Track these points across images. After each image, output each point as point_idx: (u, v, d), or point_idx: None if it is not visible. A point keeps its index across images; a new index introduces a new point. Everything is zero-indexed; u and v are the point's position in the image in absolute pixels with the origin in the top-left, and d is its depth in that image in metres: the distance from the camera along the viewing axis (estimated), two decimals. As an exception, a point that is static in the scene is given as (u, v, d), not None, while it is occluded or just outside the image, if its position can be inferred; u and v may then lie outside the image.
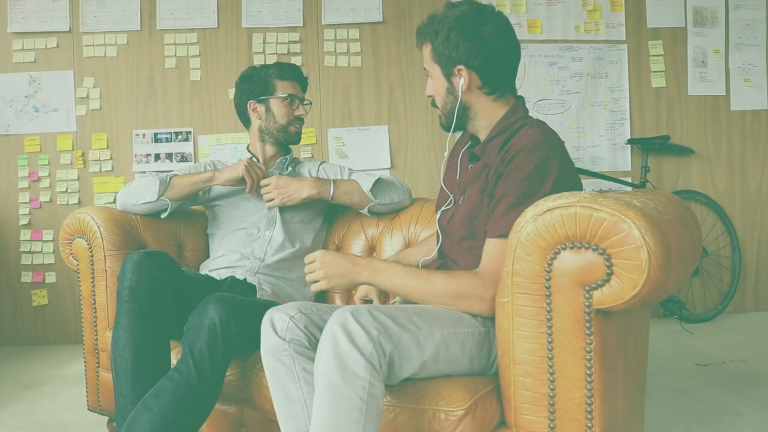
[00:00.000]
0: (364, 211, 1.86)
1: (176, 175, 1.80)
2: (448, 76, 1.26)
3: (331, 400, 0.99)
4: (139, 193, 1.77)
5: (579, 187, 1.20)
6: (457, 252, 1.31)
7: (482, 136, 1.31)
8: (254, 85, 1.84)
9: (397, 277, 1.18)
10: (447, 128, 1.32)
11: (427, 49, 1.28)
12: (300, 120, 1.86)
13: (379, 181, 1.83)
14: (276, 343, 1.16)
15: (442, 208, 1.39)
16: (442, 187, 1.43)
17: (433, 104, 1.34)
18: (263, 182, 1.78)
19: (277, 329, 1.17)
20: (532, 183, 1.13)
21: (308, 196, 1.77)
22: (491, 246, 1.15)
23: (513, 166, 1.15)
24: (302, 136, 1.92)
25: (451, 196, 1.37)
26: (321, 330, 1.17)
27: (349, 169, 1.95)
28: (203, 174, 1.78)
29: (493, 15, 1.24)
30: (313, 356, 1.14)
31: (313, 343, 1.17)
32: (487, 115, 1.28)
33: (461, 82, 1.24)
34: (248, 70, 1.88)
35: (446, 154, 1.42)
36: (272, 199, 1.76)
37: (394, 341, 1.04)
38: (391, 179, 1.90)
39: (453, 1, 1.28)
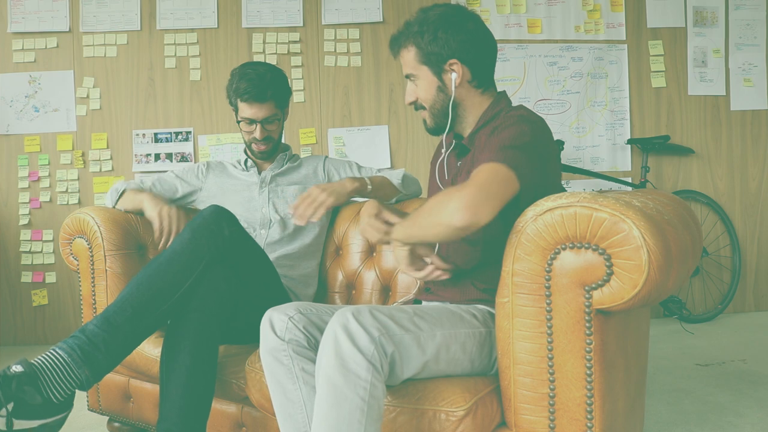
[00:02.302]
0: (388, 201, 1.87)
1: (131, 189, 1.78)
2: (439, 73, 1.27)
3: (332, 401, 0.99)
4: (108, 197, 1.82)
5: (559, 172, 1.26)
6: (454, 249, 1.31)
7: (468, 131, 1.32)
8: (229, 95, 1.80)
9: (406, 222, 1.18)
10: (438, 130, 1.32)
11: (410, 54, 1.28)
12: (257, 141, 1.79)
13: (405, 177, 1.89)
14: (275, 343, 1.16)
15: None
16: (433, 186, 1.42)
17: (417, 108, 1.34)
18: (302, 197, 1.67)
19: (276, 329, 1.17)
20: (521, 131, 1.14)
21: (352, 189, 1.76)
22: (481, 166, 1.09)
23: (501, 129, 1.17)
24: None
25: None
26: (320, 330, 1.17)
27: (357, 164, 1.96)
28: (140, 198, 1.73)
29: (471, 13, 1.29)
30: (312, 356, 1.15)
31: (312, 344, 1.17)
32: (474, 110, 1.31)
33: (454, 77, 1.26)
34: (230, 76, 1.80)
35: (443, 151, 1.41)
36: (322, 203, 1.65)
37: (395, 342, 1.04)
38: (410, 174, 1.95)
39: (425, 7, 1.30)
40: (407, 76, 1.32)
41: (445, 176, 1.38)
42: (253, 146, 1.83)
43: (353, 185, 1.77)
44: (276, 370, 1.17)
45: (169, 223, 1.67)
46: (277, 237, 1.79)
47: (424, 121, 1.34)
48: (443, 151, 1.41)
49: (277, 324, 1.17)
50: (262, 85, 1.73)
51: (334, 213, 1.98)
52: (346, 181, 1.78)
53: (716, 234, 3.32)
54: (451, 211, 1.03)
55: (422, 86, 1.29)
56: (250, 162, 1.90)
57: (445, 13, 1.26)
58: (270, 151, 1.85)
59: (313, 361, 1.14)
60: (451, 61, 1.25)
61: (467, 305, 1.25)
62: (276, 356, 1.16)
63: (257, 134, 1.78)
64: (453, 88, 1.26)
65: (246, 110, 1.76)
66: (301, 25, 3.18)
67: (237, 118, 1.81)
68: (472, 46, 1.25)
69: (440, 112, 1.30)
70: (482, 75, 1.29)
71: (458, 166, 1.33)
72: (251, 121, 1.78)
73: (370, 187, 1.80)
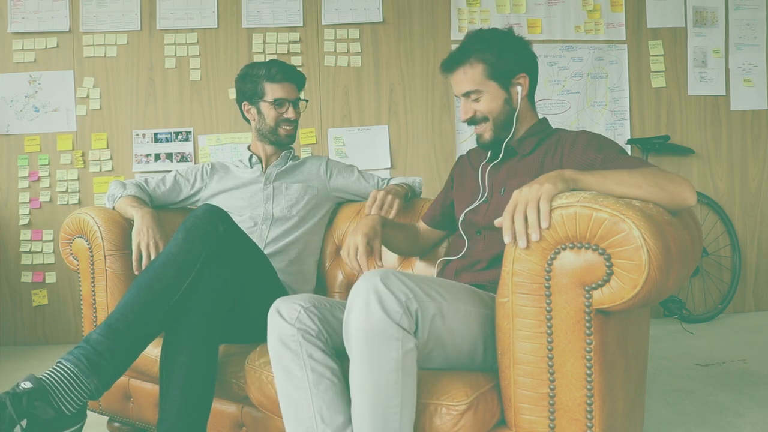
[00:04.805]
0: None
1: (127, 195, 1.76)
2: (507, 86, 1.39)
3: (366, 361, 1.02)
4: (107, 199, 1.81)
5: None
6: (496, 239, 1.34)
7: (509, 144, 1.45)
8: (247, 86, 1.85)
9: (601, 175, 1.13)
10: (495, 143, 1.41)
11: (474, 70, 1.37)
12: (289, 122, 1.86)
13: (420, 184, 2.00)
14: (285, 329, 1.16)
15: (468, 208, 1.46)
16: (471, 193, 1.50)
17: (475, 122, 1.41)
18: (370, 205, 1.76)
19: (285, 316, 1.16)
20: (610, 142, 1.30)
21: (404, 193, 1.85)
22: (649, 168, 1.17)
23: (583, 141, 1.30)
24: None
25: (483, 195, 1.45)
26: (332, 326, 1.18)
27: (357, 168, 2.00)
28: (132, 211, 1.70)
29: (516, 35, 1.44)
30: (321, 346, 1.15)
31: (324, 338, 1.16)
32: (525, 122, 1.43)
33: (519, 89, 1.39)
34: (243, 70, 1.88)
35: (482, 163, 1.51)
36: (390, 204, 1.77)
37: (421, 307, 1.06)
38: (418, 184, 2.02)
39: (472, 31, 1.41)
40: (466, 94, 1.39)
41: (478, 180, 1.49)
42: (281, 130, 1.86)
43: (403, 190, 1.86)
44: (284, 357, 1.16)
45: (147, 250, 1.62)
46: (277, 233, 1.79)
47: (479, 136, 1.43)
48: (460, 170, 1.59)
49: (286, 311, 1.17)
50: (291, 68, 1.86)
51: (333, 213, 1.98)
52: (397, 186, 1.86)
53: (716, 234, 3.32)
54: (691, 191, 1.12)
55: (487, 100, 1.38)
56: (254, 159, 1.92)
57: (503, 32, 1.40)
58: (294, 135, 1.90)
59: (321, 350, 1.15)
60: (520, 74, 1.38)
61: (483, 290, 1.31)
62: (285, 342, 1.15)
63: (290, 113, 1.84)
64: (519, 99, 1.39)
65: (279, 91, 1.82)
66: (301, 25, 3.18)
67: (261, 104, 1.83)
68: (533, 62, 1.41)
69: (503, 124, 1.40)
70: (534, 90, 1.44)
71: (498, 171, 1.44)
72: (283, 102, 1.83)
73: (409, 194, 1.90)
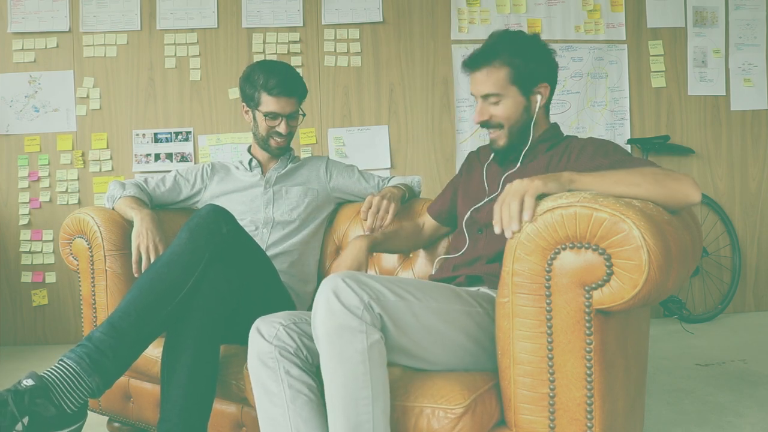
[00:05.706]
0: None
1: (126, 196, 1.75)
2: (528, 94, 1.37)
3: (334, 357, 1.03)
4: (106, 200, 1.80)
5: None
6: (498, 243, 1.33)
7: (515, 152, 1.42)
8: (246, 90, 1.81)
9: (600, 175, 1.12)
10: (509, 149, 1.40)
11: (499, 73, 1.34)
12: (280, 135, 1.82)
13: (419, 184, 2.01)
14: (262, 347, 1.16)
15: (474, 207, 1.46)
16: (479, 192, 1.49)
17: (490, 127, 1.39)
18: (366, 212, 1.72)
19: (264, 334, 1.17)
20: (618, 147, 1.30)
21: (400, 196, 1.83)
22: (650, 167, 1.16)
23: (592, 148, 1.31)
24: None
25: (488, 195, 1.45)
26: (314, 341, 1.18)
27: (357, 168, 1.99)
28: (132, 212, 1.69)
29: (542, 42, 1.42)
30: (298, 363, 1.16)
31: (301, 354, 1.17)
32: (537, 130, 1.41)
33: (539, 98, 1.37)
34: (247, 70, 1.84)
35: (484, 166, 1.52)
36: (386, 209, 1.73)
37: (387, 308, 1.06)
38: (417, 183, 2.02)
39: (499, 31, 1.39)
40: (485, 96, 1.36)
41: (483, 182, 1.49)
42: (271, 141, 1.83)
43: (400, 192, 1.84)
44: (261, 374, 1.16)
45: (146, 248, 1.61)
46: (279, 236, 1.80)
47: (494, 141, 1.41)
48: (468, 171, 1.58)
49: (266, 330, 1.18)
50: (291, 81, 1.78)
51: (333, 213, 1.98)
52: (394, 189, 1.83)
53: (716, 234, 3.32)
54: (693, 187, 1.11)
55: (507, 105, 1.36)
56: (254, 162, 1.91)
57: (530, 38, 1.39)
58: (286, 147, 1.88)
59: (298, 367, 1.15)
60: (542, 84, 1.37)
61: (474, 288, 1.31)
62: (262, 359, 1.16)
63: (282, 129, 1.80)
64: (536, 109, 1.37)
65: (273, 104, 1.77)
66: (301, 25, 3.18)
67: (256, 112, 1.81)
68: (555, 71, 1.41)
69: (519, 132, 1.38)
70: (551, 99, 1.43)
71: (505, 176, 1.43)
72: (276, 116, 1.79)
73: (407, 195, 1.88)
